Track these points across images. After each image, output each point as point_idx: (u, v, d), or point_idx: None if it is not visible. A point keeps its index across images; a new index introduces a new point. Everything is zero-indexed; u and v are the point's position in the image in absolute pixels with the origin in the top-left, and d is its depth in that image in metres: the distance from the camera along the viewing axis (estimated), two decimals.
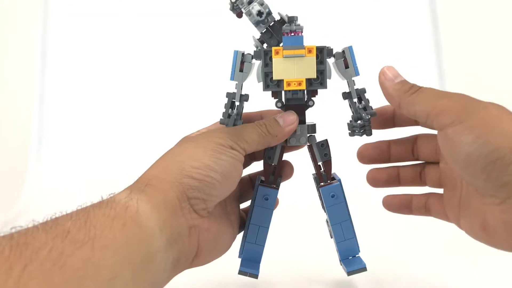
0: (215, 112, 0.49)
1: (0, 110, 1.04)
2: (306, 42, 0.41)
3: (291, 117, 0.42)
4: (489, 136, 0.31)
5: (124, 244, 0.27)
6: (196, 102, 1.02)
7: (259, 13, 0.40)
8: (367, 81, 0.44)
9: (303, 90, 0.42)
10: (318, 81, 0.42)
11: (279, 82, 0.42)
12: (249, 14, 0.41)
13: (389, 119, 0.43)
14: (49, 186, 0.95)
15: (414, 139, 0.43)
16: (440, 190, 0.40)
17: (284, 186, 0.45)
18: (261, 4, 0.40)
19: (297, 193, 0.49)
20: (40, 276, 0.23)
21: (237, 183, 0.39)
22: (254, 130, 0.40)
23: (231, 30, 0.69)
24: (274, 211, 0.44)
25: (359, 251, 0.44)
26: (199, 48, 1.03)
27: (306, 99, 0.43)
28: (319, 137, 0.44)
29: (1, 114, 1.04)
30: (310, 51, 0.41)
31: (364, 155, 0.44)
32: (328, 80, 0.42)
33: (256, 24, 0.42)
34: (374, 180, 0.44)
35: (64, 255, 0.24)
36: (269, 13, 0.41)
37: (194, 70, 1.04)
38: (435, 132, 0.36)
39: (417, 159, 0.42)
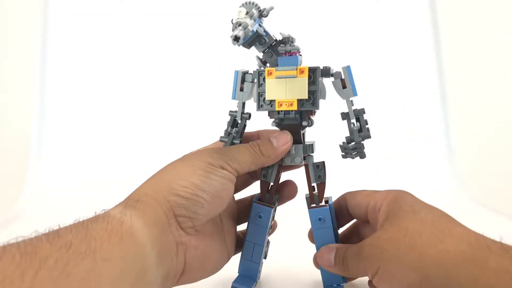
0: (216, 117, 0.49)
1: (0, 110, 1.04)
2: (309, 58, 0.41)
3: (285, 138, 0.42)
4: None
5: (122, 258, 0.28)
6: (196, 101, 1.02)
7: (236, 38, 0.38)
8: (368, 82, 0.44)
9: (295, 111, 0.42)
10: (310, 102, 0.41)
11: (272, 102, 0.42)
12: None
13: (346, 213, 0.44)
14: (49, 186, 0.95)
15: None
16: None
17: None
18: (245, 28, 0.38)
19: (293, 211, 0.49)
20: (49, 284, 0.24)
21: (227, 202, 0.39)
22: (247, 150, 0.40)
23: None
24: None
25: (344, 282, 0.44)
26: (201, 48, 1.03)
27: (301, 119, 0.42)
28: (324, 156, 0.44)
29: (1, 114, 1.04)
30: (302, 71, 0.41)
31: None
32: (322, 100, 0.42)
33: (249, 45, 0.41)
34: None
35: (70, 265, 0.25)
36: (259, 35, 0.41)
37: (194, 69, 1.04)
38: None
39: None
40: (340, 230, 0.46)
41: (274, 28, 0.43)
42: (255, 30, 0.39)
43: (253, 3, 0.39)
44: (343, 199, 0.44)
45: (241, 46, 0.40)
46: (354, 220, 0.45)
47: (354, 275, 0.40)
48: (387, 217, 0.37)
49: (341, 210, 0.44)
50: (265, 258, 0.47)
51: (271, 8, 0.40)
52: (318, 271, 0.44)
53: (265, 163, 0.41)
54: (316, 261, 0.42)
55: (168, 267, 0.34)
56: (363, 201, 0.41)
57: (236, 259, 0.46)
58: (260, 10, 0.40)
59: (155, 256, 0.32)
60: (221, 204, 0.38)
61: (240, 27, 0.37)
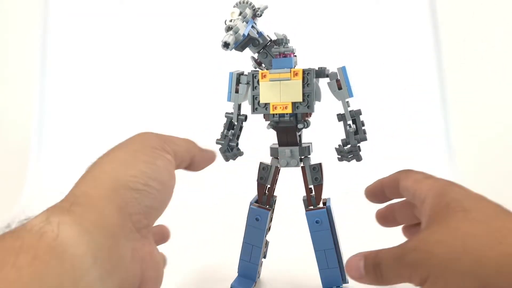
0: (216, 117, 0.49)
1: (0, 110, 1.04)
2: (309, 58, 0.41)
3: (209, 155, 0.38)
4: None
5: (33, 284, 0.22)
6: (196, 101, 1.02)
7: (225, 45, 0.36)
8: (368, 83, 0.43)
9: (290, 114, 0.41)
10: (305, 104, 0.41)
11: (267, 105, 0.41)
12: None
13: (381, 195, 0.41)
14: (49, 186, 0.95)
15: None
16: None
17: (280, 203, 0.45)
18: (235, 32, 0.37)
19: (292, 211, 0.49)
20: None
21: (172, 193, 0.34)
22: (181, 137, 0.36)
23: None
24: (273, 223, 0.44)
25: (344, 282, 0.43)
26: (201, 48, 1.03)
27: (296, 122, 0.42)
28: (323, 157, 0.43)
29: (1, 114, 1.04)
30: (296, 74, 0.40)
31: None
32: (318, 102, 0.41)
33: (242, 48, 0.41)
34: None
35: None
36: (252, 37, 0.40)
37: (194, 69, 1.04)
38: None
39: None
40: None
41: (271, 27, 0.42)
42: (246, 34, 0.38)
43: (247, 2, 0.39)
44: (396, 177, 0.40)
45: (233, 50, 0.39)
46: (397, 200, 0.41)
47: (389, 284, 0.34)
48: (434, 216, 0.33)
49: (392, 187, 0.40)
50: (264, 257, 0.47)
51: (265, 8, 0.40)
52: (317, 272, 0.44)
53: (195, 156, 0.36)
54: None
55: (121, 281, 0.28)
56: (411, 187, 0.38)
57: (235, 259, 0.46)
58: (254, 10, 0.39)
59: (101, 269, 0.26)
60: (169, 195, 0.33)
61: (231, 32, 0.36)
